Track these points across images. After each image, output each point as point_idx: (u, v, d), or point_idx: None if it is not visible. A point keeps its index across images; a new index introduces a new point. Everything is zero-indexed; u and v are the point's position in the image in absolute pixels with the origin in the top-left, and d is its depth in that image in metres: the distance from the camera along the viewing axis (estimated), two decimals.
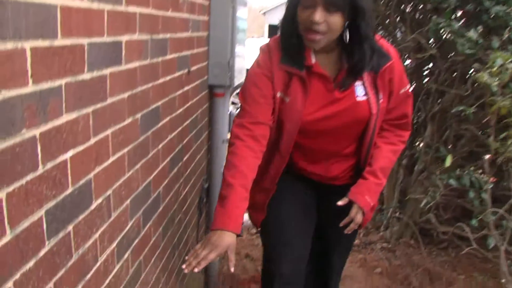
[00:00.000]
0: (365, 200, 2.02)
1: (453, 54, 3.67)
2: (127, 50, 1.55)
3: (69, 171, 1.20)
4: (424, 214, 4.09)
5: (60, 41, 1.12)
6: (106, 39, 1.39)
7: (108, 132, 1.44)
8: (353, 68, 1.88)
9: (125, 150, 1.59)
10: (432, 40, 3.76)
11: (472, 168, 3.54)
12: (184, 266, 1.68)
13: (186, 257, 1.71)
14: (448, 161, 3.47)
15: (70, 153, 1.20)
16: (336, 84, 1.92)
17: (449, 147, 3.98)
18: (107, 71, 1.41)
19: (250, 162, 1.84)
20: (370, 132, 2.00)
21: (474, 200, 3.27)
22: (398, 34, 4.17)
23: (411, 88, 2.16)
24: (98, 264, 1.44)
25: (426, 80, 4.13)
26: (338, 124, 1.96)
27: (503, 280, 3.23)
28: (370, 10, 1.83)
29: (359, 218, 2.02)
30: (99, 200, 1.41)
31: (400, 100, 2.05)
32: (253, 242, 4.01)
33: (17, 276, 1.00)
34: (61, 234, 1.19)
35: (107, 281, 1.52)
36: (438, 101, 3.97)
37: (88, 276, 1.37)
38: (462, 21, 3.59)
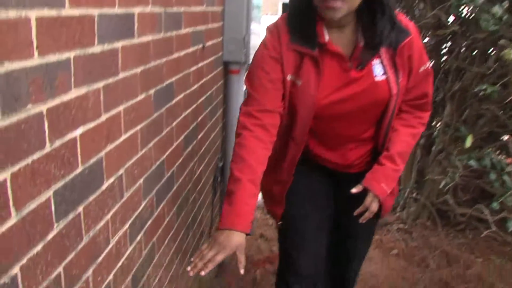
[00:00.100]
0: (381, 187, 1.89)
1: (474, 31, 3.54)
2: (140, 23, 1.48)
3: (78, 150, 1.14)
4: (442, 195, 4.01)
5: (68, 11, 1.04)
6: (117, 10, 1.31)
7: (120, 108, 1.37)
8: (370, 43, 1.73)
9: (138, 127, 1.53)
10: (452, 16, 3.63)
11: (490, 150, 3.44)
12: (189, 269, 1.55)
13: (192, 259, 1.58)
14: (469, 142, 3.37)
15: (79, 130, 1.14)
16: (352, 63, 1.75)
17: (469, 127, 3.87)
18: (118, 45, 1.33)
19: (259, 154, 1.71)
20: (389, 115, 1.86)
21: (495, 182, 3.18)
22: (416, 11, 4.04)
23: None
24: (110, 246, 1.38)
25: (444, 58, 4.01)
26: (355, 107, 1.81)
27: None
28: None
29: (374, 206, 1.90)
30: (111, 180, 1.35)
31: (419, 78, 1.89)
32: (267, 222, 3.95)
33: (24, 261, 0.95)
34: (70, 216, 1.13)
35: (119, 264, 1.46)
36: (458, 80, 3.85)
37: (100, 259, 1.32)
38: None
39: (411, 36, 1.77)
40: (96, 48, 1.20)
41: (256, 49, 1.83)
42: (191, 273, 1.52)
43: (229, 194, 1.64)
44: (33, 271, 0.98)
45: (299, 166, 1.95)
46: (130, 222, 1.53)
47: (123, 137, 1.41)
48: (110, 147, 1.32)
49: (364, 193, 1.90)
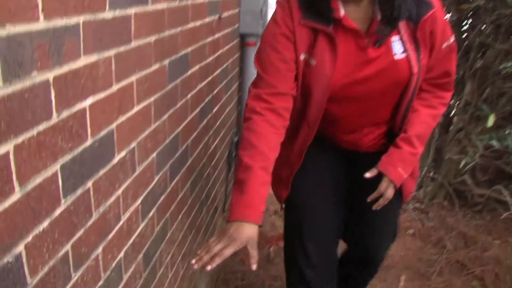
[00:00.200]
0: (397, 172, 1.78)
1: (500, 7, 3.42)
2: None
3: (88, 121, 1.07)
4: (459, 175, 3.92)
5: None
6: None
7: (133, 78, 1.30)
8: (388, 17, 1.59)
9: (152, 99, 1.46)
10: None
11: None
12: (193, 262, 1.42)
13: (198, 252, 1.46)
14: (491, 121, 3.28)
15: (89, 100, 1.07)
16: (370, 40, 1.62)
17: (490, 106, 3.77)
18: (131, 11, 1.26)
19: (271, 139, 1.58)
20: (409, 95, 1.73)
21: None
22: None
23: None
24: (121, 223, 1.33)
25: (465, 35, 3.89)
26: (373, 88, 1.69)
27: None
28: None
29: (389, 192, 1.79)
30: (122, 154, 1.29)
31: (442, 55, 1.74)
32: None
33: (29, 238, 0.89)
34: (79, 191, 1.07)
35: (130, 241, 1.41)
36: (480, 57, 3.74)
37: (110, 236, 1.26)
38: None
39: (434, 9, 1.63)
40: (107, 14, 1.12)
41: None
42: (196, 266, 1.41)
43: (239, 183, 1.52)
44: (39, 249, 0.92)
45: (310, 148, 1.84)
46: (142, 197, 1.47)
47: (136, 108, 1.34)
48: (121, 119, 1.25)
49: (380, 176, 1.80)
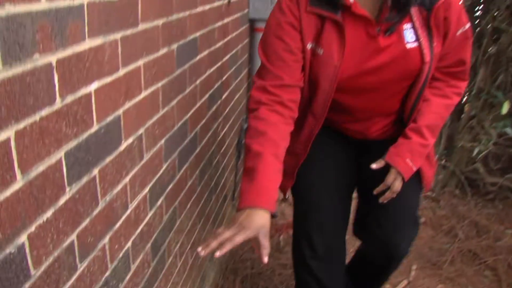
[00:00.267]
0: (405, 164, 1.69)
1: None
2: None
3: (93, 106, 1.03)
4: (471, 163, 3.87)
5: None
6: None
7: (140, 63, 1.26)
8: (399, 2, 1.50)
9: (159, 84, 1.42)
10: None
11: None
12: (200, 249, 1.28)
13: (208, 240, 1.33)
14: (505, 108, 3.22)
15: (94, 85, 1.03)
16: (380, 28, 1.54)
17: (503, 93, 3.71)
18: None
19: (281, 129, 1.50)
20: (420, 84, 1.65)
21: None
22: None
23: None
24: (128, 211, 1.29)
25: (478, 20, 3.81)
26: (383, 78, 1.61)
27: None
28: None
29: (397, 185, 1.70)
30: (130, 140, 1.25)
31: (456, 43, 1.64)
32: None
33: (32, 228, 0.85)
34: (84, 179, 1.03)
35: (138, 230, 1.38)
36: (493, 43, 3.67)
37: (117, 225, 1.23)
38: None
39: None
40: None
41: None
42: (202, 253, 1.27)
43: (249, 171, 1.41)
44: (43, 240, 0.89)
45: (317, 138, 1.76)
46: (150, 185, 1.44)
47: (143, 94, 1.30)
48: (128, 104, 1.21)
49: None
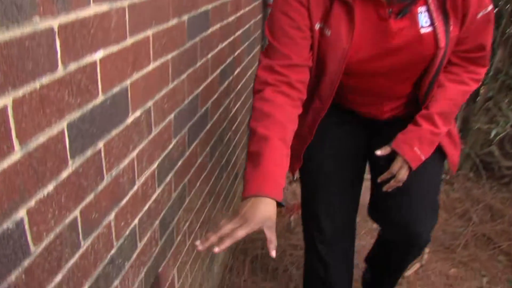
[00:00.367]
0: (412, 152, 1.61)
1: None
2: None
3: (99, 76, 0.98)
4: (486, 145, 3.78)
5: None
6: None
7: (149, 32, 1.20)
8: None
9: (169, 56, 1.36)
10: None
11: None
12: (198, 243, 1.18)
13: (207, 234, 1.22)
14: None
15: (100, 53, 0.97)
16: (392, 10, 1.44)
17: None
18: None
19: (288, 111, 1.40)
20: (433, 70, 1.55)
21: None
22: None
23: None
24: (135, 187, 1.24)
25: (496, 0, 3.71)
26: (394, 63, 1.52)
27: None
28: None
29: (403, 174, 1.63)
30: (137, 113, 1.19)
31: (476, 26, 1.52)
32: None
33: (31, 203, 0.80)
34: (89, 152, 0.98)
35: (145, 208, 1.33)
36: None
37: (123, 201, 1.18)
38: None
39: None
40: None
41: None
42: (200, 248, 1.18)
43: (253, 156, 1.31)
44: (43, 215, 0.84)
45: (324, 119, 1.68)
46: (158, 161, 1.39)
47: (152, 65, 1.24)
48: (136, 75, 1.15)
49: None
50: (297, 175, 1.94)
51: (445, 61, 1.56)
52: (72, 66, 0.88)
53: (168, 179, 1.48)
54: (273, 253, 1.16)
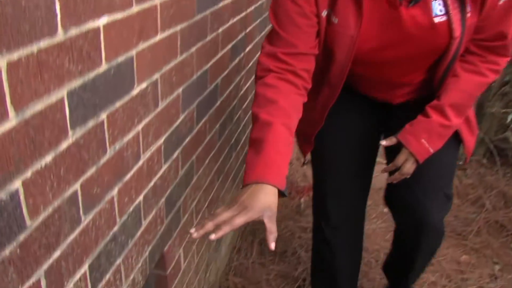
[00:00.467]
0: (419, 144, 1.54)
1: None
2: None
3: (102, 43, 0.93)
4: (501, 131, 3.70)
5: None
6: None
7: (156, 1, 1.14)
8: None
9: (178, 27, 1.30)
10: None
11: None
12: (192, 230, 1.09)
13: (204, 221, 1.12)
14: None
15: (103, 19, 0.92)
16: None
17: None
18: None
19: (293, 98, 1.33)
20: (447, 60, 1.47)
21: None
22: None
23: None
24: (140, 162, 1.20)
25: None
26: (406, 53, 1.45)
27: None
28: None
29: (408, 167, 1.57)
30: (143, 85, 1.14)
31: (497, 13, 1.41)
32: None
33: (28, 174, 0.76)
34: (90, 123, 0.93)
35: (151, 184, 1.28)
36: None
37: (127, 176, 1.13)
38: None
39: None
40: None
41: None
42: (195, 235, 1.09)
43: (255, 142, 1.24)
44: (40, 187, 0.80)
45: (336, 104, 1.61)
46: (165, 136, 1.34)
47: (160, 36, 1.19)
48: (142, 45, 1.10)
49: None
50: (308, 157, 1.89)
51: (461, 50, 1.47)
52: (73, 31, 0.83)
53: (175, 155, 1.44)
54: (272, 246, 1.08)
